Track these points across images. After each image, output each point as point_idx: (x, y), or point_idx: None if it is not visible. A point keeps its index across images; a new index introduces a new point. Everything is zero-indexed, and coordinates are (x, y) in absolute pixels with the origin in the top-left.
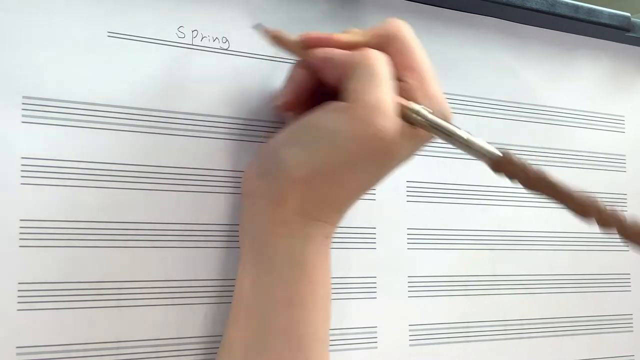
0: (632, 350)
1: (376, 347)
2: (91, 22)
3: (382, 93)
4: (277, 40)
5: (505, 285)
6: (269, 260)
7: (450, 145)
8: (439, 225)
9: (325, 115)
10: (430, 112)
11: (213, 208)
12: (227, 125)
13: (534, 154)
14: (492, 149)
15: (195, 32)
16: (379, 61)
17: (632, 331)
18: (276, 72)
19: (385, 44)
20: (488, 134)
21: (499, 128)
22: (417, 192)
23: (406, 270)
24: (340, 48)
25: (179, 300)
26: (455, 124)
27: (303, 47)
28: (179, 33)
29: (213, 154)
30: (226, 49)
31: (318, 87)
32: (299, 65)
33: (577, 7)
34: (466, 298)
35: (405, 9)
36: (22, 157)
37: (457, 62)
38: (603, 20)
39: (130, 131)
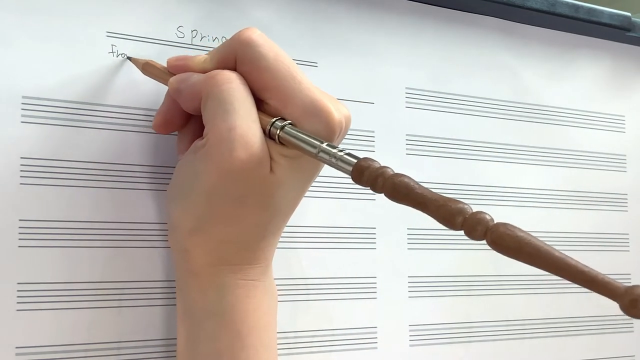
0: (633, 351)
1: (376, 347)
2: (91, 22)
3: (231, 120)
4: (147, 71)
5: (506, 286)
6: (192, 314)
7: (450, 145)
8: (439, 225)
9: (188, 159)
10: (289, 126)
11: None
12: None
13: (534, 154)
14: (348, 157)
15: (195, 32)
16: (228, 84)
17: (633, 331)
18: None
19: (236, 64)
20: (488, 134)
21: (499, 128)
22: None
23: (406, 270)
24: (196, 72)
25: None
26: (319, 138)
27: (169, 74)
28: (178, 33)
29: None
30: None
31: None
32: (168, 90)
33: (577, 7)
34: (466, 298)
35: (407, 9)
36: (22, 157)
37: (457, 62)
38: (603, 20)
39: (131, 131)
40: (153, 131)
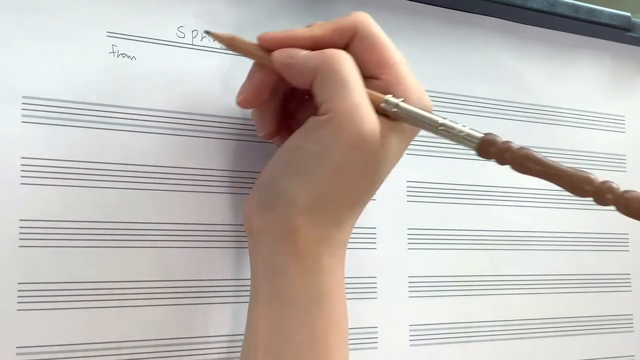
0: (632, 351)
1: (376, 347)
2: (91, 22)
3: (354, 97)
4: (232, 45)
5: (506, 286)
6: (285, 299)
7: (451, 145)
8: (439, 225)
9: (309, 136)
10: (405, 103)
11: (213, 208)
12: (227, 125)
13: None
14: (473, 132)
15: (195, 32)
16: (344, 63)
17: (632, 331)
18: None
19: (351, 39)
20: None
21: (499, 128)
22: (417, 192)
23: (406, 270)
24: (302, 47)
25: (179, 300)
26: (435, 113)
27: (263, 50)
28: (178, 33)
29: (213, 154)
30: (226, 49)
31: (283, 82)
32: (255, 64)
33: (577, 7)
34: (466, 298)
35: (407, 9)
36: (22, 157)
37: (457, 62)
38: (603, 20)
39: (130, 131)
40: (152, 131)
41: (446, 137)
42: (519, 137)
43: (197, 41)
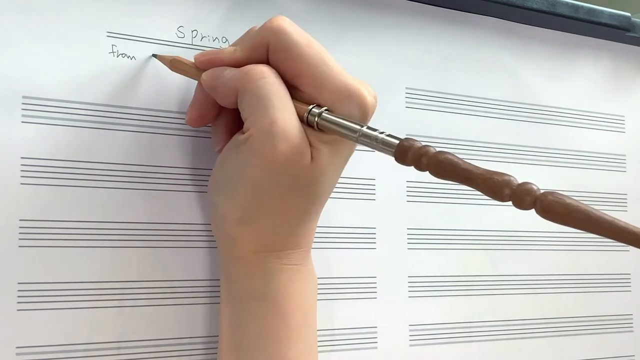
0: (632, 351)
1: (376, 347)
2: (91, 22)
3: (271, 114)
4: (174, 67)
5: (506, 286)
6: (238, 297)
7: (451, 145)
8: (439, 225)
9: (231, 153)
10: (326, 112)
11: None
12: None
13: (534, 154)
14: (390, 138)
15: (195, 32)
16: (262, 79)
17: (632, 331)
18: None
19: (268, 53)
20: (488, 134)
21: (499, 128)
22: (417, 192)
23: (406, 270)
24: (230, 66)
25: (179, 300)
26: (356, 121)
27: (200, 70)
28: (178, 33)
29: (213, 154)
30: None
31: None
32: (198, 83)
33: (577, 7)
34: (466, 298)
35: (407, 9)
36: (22, 157)
37: (457, 62)
38: (603, 20)
39: (130, 131)
40: (151, 131)
41: (367, 145)
42: (519, 137)
43: (197, 41)
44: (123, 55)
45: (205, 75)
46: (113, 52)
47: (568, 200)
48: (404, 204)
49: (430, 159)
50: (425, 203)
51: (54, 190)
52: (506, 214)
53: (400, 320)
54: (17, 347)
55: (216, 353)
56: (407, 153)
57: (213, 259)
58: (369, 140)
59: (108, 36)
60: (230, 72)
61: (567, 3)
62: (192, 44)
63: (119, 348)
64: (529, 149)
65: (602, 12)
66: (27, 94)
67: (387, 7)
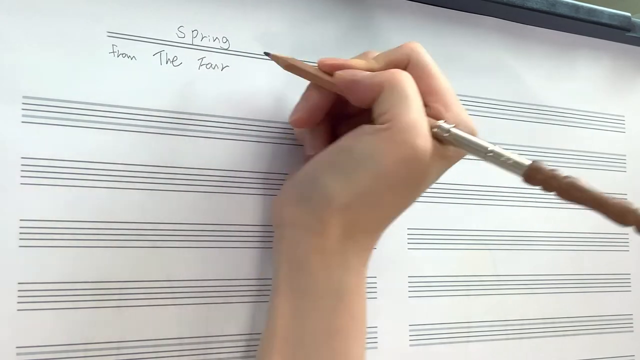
0: (632, 351)
1: (376, 347)
2: (91, 22)
3: (416, 113)
4: (290, 66)
5: (506, 285)
6: (308, 290)
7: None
8: (439, 225)
9: (363, 139)
10: (455, 129)
11: (213, 208)
12: (227, 125)
13: (534, 154)
14: (520, 159)
15: (195, 32)
16: (408, 81)
17: (632, 331)
18: (276, 72)
19: (407, 68)
20: (488, 134)
21: (499, 128)
22: None
23: (406, 270)
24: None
25: (179, 300)
26: (483, 138)
27: (322, 72)
28: (179, 33)
29: (213, 154)
30: (226, 49)
31: (334, 106)
32: (312, 86)
33: (577, 7)
34: (466, 298)
35: (407, 9)
36: (22, 157)
37: (457, 62)
38: (603, 20)
39: (130, 131)
40: (151, 131)
41: (493, 162)
42: (519, 137)
43: (197, 41)
44: (123, 55)
45: (341, 73)
46: (113, 52)
47: None
48: None
49: (561, 182)
50: (425, 203)
51: (54, 190)
52: (506, 214)
53: (400, 320)
54: (17, 347)
55: (215, 353)
56: (536, 177)
57: (213, 258)
58: (497, 159)
59: (108, 36)
60: (371, 72)
61: (567, 3)
62: (192, 44)
63: (118, 348)
64: (529, 149)
65: (602, 12)
66: (27, 94)
67: (388, 7)
